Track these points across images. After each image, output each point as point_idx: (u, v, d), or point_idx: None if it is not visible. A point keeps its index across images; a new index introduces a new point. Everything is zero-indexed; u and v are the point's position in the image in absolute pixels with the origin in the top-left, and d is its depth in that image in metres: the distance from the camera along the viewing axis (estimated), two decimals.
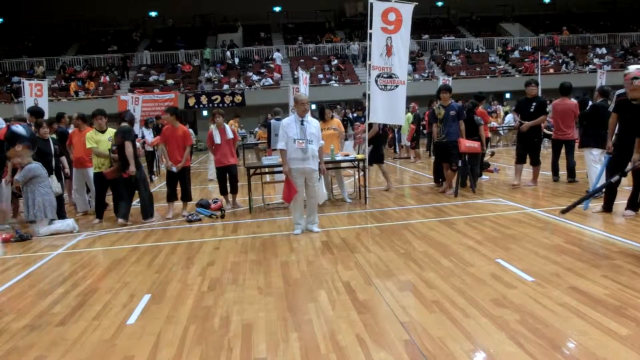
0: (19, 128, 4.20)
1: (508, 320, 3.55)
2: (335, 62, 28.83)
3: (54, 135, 8.84)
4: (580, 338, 3.25)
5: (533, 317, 3.58)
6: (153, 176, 13.57)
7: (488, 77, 27.54)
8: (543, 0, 35.53)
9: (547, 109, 9.40)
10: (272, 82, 26.98)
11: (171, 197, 8.23)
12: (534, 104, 8.84)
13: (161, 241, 6.67)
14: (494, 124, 16.99)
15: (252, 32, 32.60)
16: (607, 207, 6.68)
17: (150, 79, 27.43)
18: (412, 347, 3.27)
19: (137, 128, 12.46)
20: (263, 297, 4.33)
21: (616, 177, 5.85)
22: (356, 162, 8.55)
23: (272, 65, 28.41)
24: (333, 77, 27.43)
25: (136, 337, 3.69)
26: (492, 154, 13.93)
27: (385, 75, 8.39)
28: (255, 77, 27.51)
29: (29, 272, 5.59)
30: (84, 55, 29.50)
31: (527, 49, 30.33)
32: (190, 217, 7.85)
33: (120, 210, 7.87)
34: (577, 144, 8.85)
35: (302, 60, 28.79)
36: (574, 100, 9.08)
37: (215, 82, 27.36)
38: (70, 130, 9.50)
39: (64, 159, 8.66)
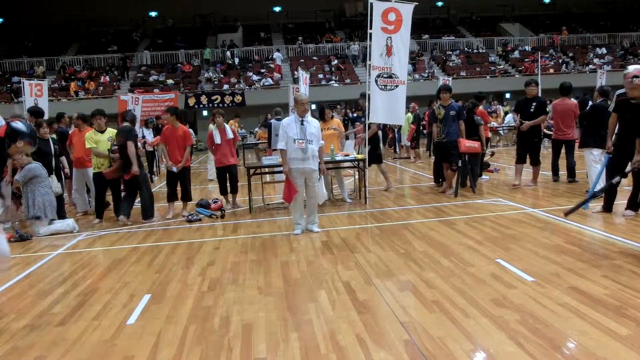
0: (18, 124, 4.19)
1: (508, 320, 3.55)
2: (335, 62, 28.84)
3: (54, 135, 8.85)
4: (580, 338, 3.25)
5: (533, 317, 3.58)
6: (153, 176, 13.57)
7: (488, 77, 27.54)
8: (543, 0, 35.53)
9: (547, 109, 9.40)
10: (272, 82, 26.98)
11: (171, 197, 8.23)
12: (534, 104, 8.84)
13: (161, 241, 6.68)
14: (494, 124, 16.99)
15: (252, 32, 32.60)
16: (607, 207, 6.68)
17: (150, 79, 27.44)
18: (412, 347, 3.27)
19: (137, 128, 12.45)
20: (263, 297, 4.33)
21: (617, 179, 5.85)
22: (356, 162, 8.55)
23: (272, 65, 28.41)
24: (333, 77, 27.44)
25: (136, 337, 3.69)
26: (492, 154, 13.93)
27: (385, 75, 8.39)
28: (255, 77, 27.51)
29: (29, 272, 5.59)
30: (84, 55, 29.51)
31: (527, 49, 30.33)
32: (190, 217, 7.85)
33: (122, 208, 7.88)
34: (577, 144, 8.85)
35: (302, 60, 28.80)
36: (574, 100, 9.08)
37: (215, 82, 27.36)
38: (70, 131, 9.51)
39: (63, 159, 8.66)
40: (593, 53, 29.73)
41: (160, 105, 15.85)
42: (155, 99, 17.26)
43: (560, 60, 28.81)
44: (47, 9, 30.51)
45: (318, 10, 33.81)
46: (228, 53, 29.80)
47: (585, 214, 6.65)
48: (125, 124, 8.12)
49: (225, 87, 26.66)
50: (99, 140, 8.04)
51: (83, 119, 8.94)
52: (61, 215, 7.89)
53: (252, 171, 8.51)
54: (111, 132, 8.22)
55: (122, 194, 8.28)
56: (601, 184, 7.08)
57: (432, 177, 10.04)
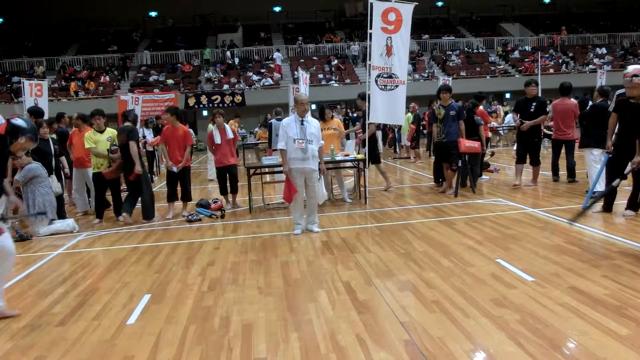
0: (18, 121, 4.20)
1: (508, 320, 3.55)
2: (335, 62, 28.83)
3: (54, 135, 8.86)
4: (580, 338, 3.25)
5: (533, 317, 3.58)
6: (153, 176, 13.57)
7: (488, 77, 27.54)
8: (543, 0, 35.53)
9: (547, 109, 9.40)
10: (272, 82, 26.98)
11: (171, 197, 8.23)
12: (534, 104, 8.84)
13: (161, 241, 6.68)
14: (494, 124, 16.99)
15: (252, 32, 32.60)
16: (607, 207, 6.68)
17: (150, 79, 27.43)
18: (412, 347, 3.27)
19: (137, 128, 12.45)
20: (263, 297, 4.33)
21: (617, 181, 5.83)
22: (356, 162, 8.55)
23: (272, 65, 28.40)
24: (333, 77, 27.43)
25: (136, 337, 3.69)
26: (492, 154, 13.93)
27: (385, 75, 8.40)
28: (255, 77, 27.51)
29: (29, 272, 5.59)
30: (84, 55, 29.50)
31: (527, 49, 30.33)
32: (190, 217, 7.85)
33: (124, 207, 7.91)
34: (577, 144, 8.85)
35: (302, 60, 28.79)
36: (573, 100, 9.08)
37: (215, 82, 27.36)
38: (70, 131, 9.51)
39: (63, 159, 8.66)
40: (593, 53, 29.73)
41: (160, 105, 15.84)
42: (155, 99, 17.25)
43: (560, 60, 28.81)
44: (47, 9, 30.51)
45: (318, 10, 33.80)
46: (228, 53, 29.80)
47: (585, 214, 6.64)
48: (127, 123, 8.13)
49: (225, 87, 26.66)
50: (98, 140, 8.04)
51: (83, 119, 8.94)
52: (61, 215, 7.89)
53: (252, 171, 8.51)
54: (110, 132, 8.23)
55: (122, 194, 8.29)
56: (601, 183, 7.09)
57: (432, 177, 10.04)
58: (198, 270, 5.25)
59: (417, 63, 28.33)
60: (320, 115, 8.62)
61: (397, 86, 8.46)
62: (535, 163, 9.02)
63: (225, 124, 8.83)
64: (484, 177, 10.15)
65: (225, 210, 8.22)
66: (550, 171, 9.50)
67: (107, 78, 27.50)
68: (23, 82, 13.94)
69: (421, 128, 16.07)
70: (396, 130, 17.13)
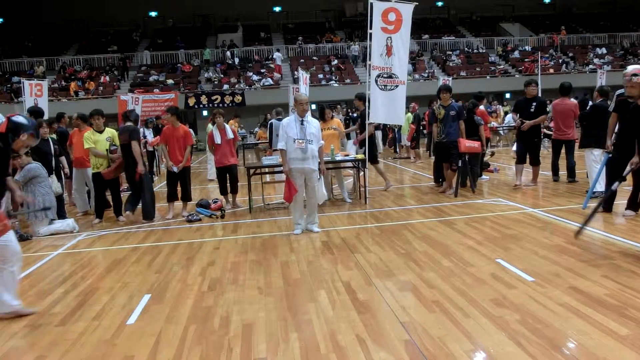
0: (19, 118, 4.20)
1: (508, 320, 3.55)
2: (335, 62, 28.84)
3: (54, 135, 8.86)
4: (580, 338, 3.25)
5: (533, 317, 3.58)
6: (153, 176, 13.57)
7: (488, 77, 27.54)
8: (543, 0, 35.53)
9: (547, 109, 9.40)
10: (272, 82, 26.98)
11: (171, 197, 8.23)
12: (534, 104, 8.84)
13: (161, 241, 6.68)
14: (494, 124, 16.98)
15: (252, 32, 32.60)
16: (607, 207, 6.67)
17: (150, 79, 27.44)
18: (412, 347, 3.27)
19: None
20: (263, 297, 4.33)
21: (616, 184, 5.81)
22: (355, 162, 8.55)
23: (272, 65, 28.41)
24: (333, 77, 27.44)
25: (136, 337, 3.69)
26: (492, 154, 13.93)
27: (385, 75, 8.40)
28: (255, 77, 27.51)
29: (29, 272, 5.58)
30: (84, 55, 29.50)
31: (527, 49, 30.34)
32: (190, 217, 7.85)
33: (127, 205, 7.94)
34: (577, 144, 8.86)
35: (302, 60, 28.80)
36: (573, 100, 9.08)
37: (215, 82, 27.36)
38: (70, 131, 9.51)
39: (63, 159, 8.66)
40: (593, 53, 29.73)
41: (160, 105, 15.85)
42: (155, 99, 17.26)
43: (560, 60, 28.82)
44: (47, 9, 30.51)
45: (318, 10, 33.80)
46: (228, 53, 29.80)
47: (585, 214, 6.63)
48: (129, 123, 8.14)
49: (225, 87, 26.66)
50: (98, 140, 8.04)
51: (83, 119, 8.94)
52: (61, 215, 7.89)
53: (252, 171, 8.51)
54: (110, 132, 8.23)
55: (122, 194, 8.29)
56: (601, 182, 7.09)
57: (432, 177, 10.04)
58: (198, 270, 5.25)
59: (417, 63, 28.34)
60: (320, 115, 8.62)
61: (397, 86, 8.46)
62: (535, 163, 9.02)
63: (225, 124, 8.84)
64: (484, 177, 10.15)
65: (225, 210, 8.22)
66: (550, 171, 9.50)
67: (107, 78, 27.51)
68: (23, 82, 13.94)
69: (421, 128, 16.07)
70: (396, 130, 17.13)
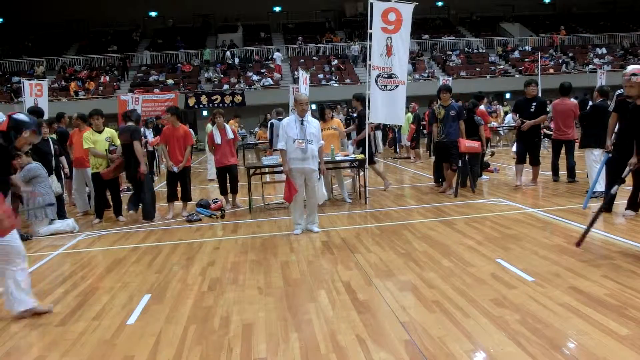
0: (20, 115, 4.20)
1: (508, 320, 3.55)
2: (335, 62, 28.84)
3: (54, 135, 8.86)
4: (580, 338, 3.25)
5: (533, 317, 3.58)
6: (153, 176, 13.57)
7: (488, 77, 27.54)
8: (543, 0, 35.53)
9: (547, 109, 9.40)
10: (272, 82, 26.98)
11: (171, 197, 8.23)
12: (534, 104, 8.84)
13: (161, 241, 6.68)
14: (494, 124, 16.99)
15: (252, 32, 32.60)
16: (607, 208, 6.66)
17: (150, 79, 27.44)
18: (412, 347, 3.27)
19: None
20: (263, 297, 4.33)
21: (615, 188, 5.79)
22: (355, 162, 8.55)
23: (272, 65, 28.41)
24: (333, 77, 27.44)
25: (136, 337, 3.69)
26: (492, 154, 13.93)
27: (385, 75, 8.40)
28: (255, 77, 27.51)
29: (29, 272, 5.55)
30: (84, 55, 29.50)
31: (527, 49, 30.34)
32: (190, 217, 7.85)
33: (130, 205, 7.98)
34: (577, 144, 8.86)
35: (302, 60, 28.80)
36: (573, 100, 9.08)
37: (215, 82, 27.36)
38: (70, 131, 9.52)
39: (63, 159, 8.66)
40: (593, 53, 29.73)
41: (160, 105, 15.86)
42: (155, 99, 17.26)
43: (560, 60, 28.82)
44: (47, 9, 30.51)
45: (318, 10, 33.80)
46: (228, 53, 29.80)
47: (585, 214, 6.65)
48: (130, 123, 8.14)
49: (225, 87, 26.66)
50: (97, 140, 8.04)
51: (83, 119, 8.95)
52: (61, 215, 7.89)
53: (252, 171, 8.51)
54: (109, 132, 8.23)
55: (122, 194, 8.30)
56: (601, 182, 7.09)
57: (432, 177, 10.04)
58: (198, 270, 5.25)
59: (417, 63, 28.34)
60: (320, 115, 8.62)
61: (397, 86, 8.47)
62: (535, 163, 9.02)
63: (225, 124, 8.84)
64: (484, 177, 10.15)
65: (225, 210, 8.22)
66: (550, 171, 9.50)
67: (107, 78, 27.51)
68: (23, 82, 13.95)
69: (421, 128, 16.07)
70: (396, 130, 17.13)
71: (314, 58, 29.67)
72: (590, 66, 27.67)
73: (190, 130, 8.91)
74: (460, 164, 8.56)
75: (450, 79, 21.42)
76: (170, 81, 27.06)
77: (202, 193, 10.60)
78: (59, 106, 20.47)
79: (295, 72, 24.11)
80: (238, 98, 25.38)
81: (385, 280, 4.57)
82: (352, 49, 29.64)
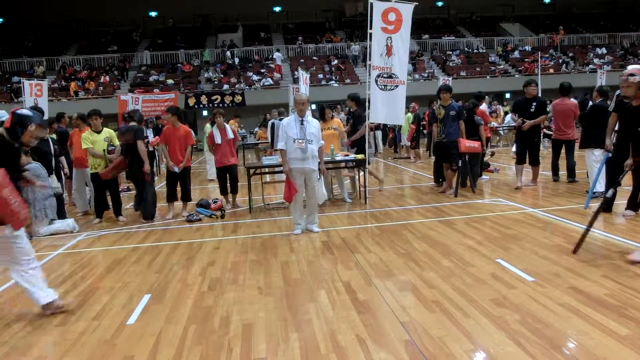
0: (23, 111, 4.20)
1: (508, 320, 3.55)
2: (335, 62, 28.83)
3: (54, 135, 8.86)
4: (580, 338, 3.25)
5: (533, 317, 3.58)
6: (154, 176, 13.56)
7: (488, 77, 27.53)
8: (543, 0, 35.53)
9: (547, 109, 9.39)
10: (272, 82, 26.98)
11: (171, 197, 8.23)
12: (534, 104, 8.84)
13: (161, 241, 6.68)
14: (494, 124, 16.99)
15: (252, 32, 32.60)
16: (607, 208, 6.67)
17: (150, 79, 27.44)
18: (412, 347, 3.27)
19: None
20: (263, 297, 4.33)
21: (611, 192, 5.79)
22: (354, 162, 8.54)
23: (272, 65, 28.41)
24: (333, 77, 27.43)
25: (136, 337, 3.69)
26: (492, 154, 13.93)
27: (385, 75, 8.40)
28: (255, 77, 27.50)
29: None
30: (84, 55, 29.49)
31: (527, 49, 30.33)
32: (190, 217, 7.85)
33: (134, 205, 7.99)
34: (577, 144, 8.85)
35: (302, 60, 28.79)
36: (573, 100, 9.08)
37: (215, 82, 27.36)
38: (70, 131, 9.52)
39: (63, 159, 8.67)
40: (593, 53, 29.73)
41: (161, 105, 15.86)
42: (155, 99, 17.27)
43: (560, 60, 28.82)
44: (47, 9, 30.51)
45: (318, 10, 33.80)
46: (228, 53, 29.80)
47: (585, 214, 6.65)
48: (133, 123, 8.14)
49: (225, 87, 26.66)
50: (95, 140, 8.04)
51: (83, 119, 8.94)
52: (61, 215, 7.89)
53: (252, 171, 8.51)
54: (108, 132, 8.24)
55: (122, 194, 8.30)
56: (601, 182, 7.09)
57: (432, 177, 10.04)
58: (198, 270, 5.25)
59: (417, 63, 28.33)
60: (321, 115, 8.62)
61: (397, 86, 8.46)
62: (535, 163, 9.02)
63: (225, 124, 8.84)
64: (484, 177, 10.15)
65: (225, 210, 8.22)
66: (550, 171, 9.50)
67: (107, 78, 27.50)
68: (23, 82, 13.96)
69: (421, 128, 16.06)
70: (396, 130, 17.13)
71: (314, 58, 29.67)
72: (590, 66, 27.67)
73: (190, 130, 8.91)
74: (460, 164, 8.56)
75: (450, 79, 21.42)
76: (170, 81, 27.06)
77: (202, 193, 10.60)
78: (59, 106, 20.47)
79: (295, 72, 24.10)
80: (238, 98, 25.38)
81: (385, 280, 4.57)
82: (352, 49, 29.63)
